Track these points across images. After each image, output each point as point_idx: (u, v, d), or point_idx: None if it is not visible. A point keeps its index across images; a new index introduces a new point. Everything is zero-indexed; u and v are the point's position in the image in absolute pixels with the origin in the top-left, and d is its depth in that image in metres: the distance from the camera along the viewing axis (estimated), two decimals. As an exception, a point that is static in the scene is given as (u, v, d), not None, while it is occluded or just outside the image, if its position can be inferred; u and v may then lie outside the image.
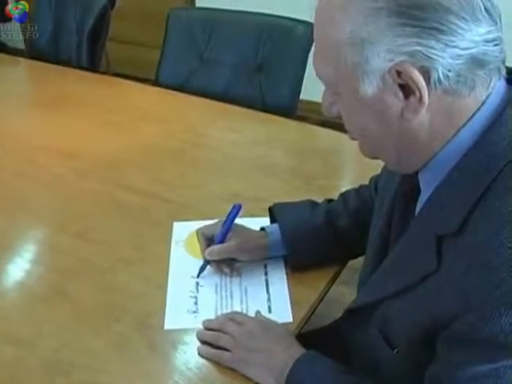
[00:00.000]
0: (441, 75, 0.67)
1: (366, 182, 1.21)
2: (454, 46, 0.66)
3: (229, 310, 1.08)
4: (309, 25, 1.81)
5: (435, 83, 0.68)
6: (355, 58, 0.70)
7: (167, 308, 1.08)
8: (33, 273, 1.23)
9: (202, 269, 1.15)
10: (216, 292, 1.12)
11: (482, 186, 0.70)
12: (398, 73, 0.68)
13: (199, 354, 1.00)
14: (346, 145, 1.61)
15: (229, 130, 1.73)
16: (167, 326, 1.05)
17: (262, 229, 1.18)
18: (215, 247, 1.13)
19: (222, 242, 1.14)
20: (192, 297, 1.11)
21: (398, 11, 0.65)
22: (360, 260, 1.16)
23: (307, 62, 1.82)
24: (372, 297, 0.87)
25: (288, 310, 1.08)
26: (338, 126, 0.89)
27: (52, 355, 1.01)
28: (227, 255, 1.14)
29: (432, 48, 0.66)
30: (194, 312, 1.08)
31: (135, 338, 1.03)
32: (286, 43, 1.87)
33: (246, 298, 1.11)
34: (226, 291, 1.12)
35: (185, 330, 1.05)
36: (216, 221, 1.20)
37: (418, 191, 0.83)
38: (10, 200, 1.44)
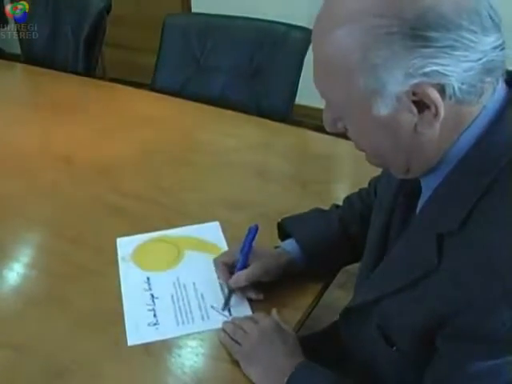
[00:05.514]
0: (456, 89, 0.67)
1: (361, 186, 1.22)
2: (468, 60, 0.66)
3: (189, 318, 1.08)
4: (304, 30, 1.82)
5: (450, 97, 0.68)
6: (369, 83, 0.70)
7: (127, 324, 1.07)
8: (29, 277, 1.23)
9: (227, 300, 1.10)
10: (173, 302, 1.12)
11: (483, 186, 0.71)
12: (414, 92, 0.68)
13: (219, 339, 1.03)
14: (341, 149, 1.62)
15: (225, 135, 1.74)
16: (130, 341, 1.04)
17: (276, 247, 1.16)
18: (241, 274, 1.09)
19: (243, 267, 1.10)
20: (150, 310, 1.10)
21: (412, 34, 0.65)
22: (355, 264, 1.17)
23: (302, 67, 1.83)
24: (372, 294, 0.88)
25: (246, 305, 1.10)
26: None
27: (48, 360, 1.01)
28: (254, 279, 1.09)
29: (447, 65, 0.66)
30: (155, 324, 1.07)
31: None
32: (281, 48, 1.88)
33: (204, 303, 1.11)
34: (182, 300, 1.12)
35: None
36: (227, 249, 1.21)
37: (419, 191, 0.84)
38: (4, 205, 1.44)
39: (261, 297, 1.11)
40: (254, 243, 1.12)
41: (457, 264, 0.72)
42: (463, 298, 0.70)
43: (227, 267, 1.13)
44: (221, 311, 1.09)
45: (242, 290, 1.11)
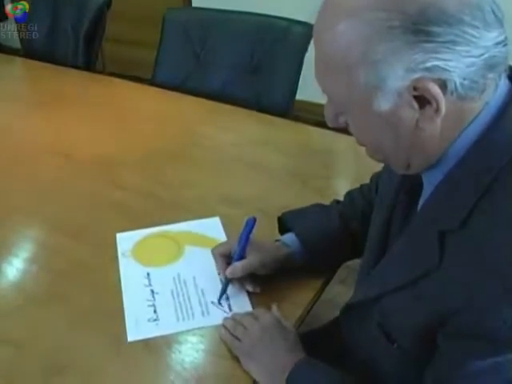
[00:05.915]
0: (457, 84, 0.67)
1: (362, 181, 1.22)
2: (470, 56, 0.66)
3: (189, 314, 1.08)
4: (305, 25, 1.82)
5: (451, 92, 0.68)
6: (370, 79, 0.69)
7: (127, 320, 1.07)
8: (29, 273, 1.23)
9: (223, 290, 1.10)
10: (173, 297, 1.12)
11: (484, 184, 0.71)
12: (415, 87, 0.68)
13: (219, 335, 1.03)
14: (342, 145, 1.62)
15: (225, 130, 1.73)
16: (130, 337, 1.03)
17: (277, 240, 1.15)
18: (238, 264, 1.09)
19: (240, 258, 1.10)
20: (150, 305, 1.10)
21: (414, 29, 0.65)
22: (356, 260, 1.16)
23: (303, 63, 1.83)
24: (373, 291, 0.87)
25: (247, 301, 1.10)
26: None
27: (48, 355, 1.01)
28: (250, 271, 1.09)
29: (449, 60, 0.65)
30: (155, 320, 1.07)
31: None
32: (281, 44, 1.87)
33: (205, 299, 1.11)
34: (183, 295, 1.12)
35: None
36: (226, 240, 1.21)
37: (420, 187, 0.84)
38: (4, 200, 1.44)
39: (257, 290, 1.11)
40: (251, 235, 1.11)
41: (457, 262, 0.72)
42: (464, 297, 0.70)
43: (224, 258, 1.13)
44: (220, 306, 1.09)
45: (239, 281, 1.11)
